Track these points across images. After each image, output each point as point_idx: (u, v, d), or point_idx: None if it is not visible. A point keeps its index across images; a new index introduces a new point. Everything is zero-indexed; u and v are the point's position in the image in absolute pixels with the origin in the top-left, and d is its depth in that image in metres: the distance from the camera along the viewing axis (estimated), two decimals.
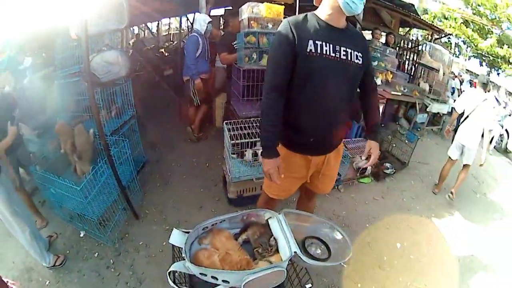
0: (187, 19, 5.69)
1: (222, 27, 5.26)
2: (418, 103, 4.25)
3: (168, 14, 5.84)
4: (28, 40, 2.56)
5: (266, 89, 1.25)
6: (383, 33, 4.66)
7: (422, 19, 5.38)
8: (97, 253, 2.09)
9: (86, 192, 1.90)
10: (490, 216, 3.29)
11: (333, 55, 1.17)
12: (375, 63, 3.78)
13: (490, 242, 2.85)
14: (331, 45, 1.16)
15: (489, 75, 10.52)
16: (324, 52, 1.16)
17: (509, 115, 5.55)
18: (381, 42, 4.33)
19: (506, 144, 5.47)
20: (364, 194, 3.15)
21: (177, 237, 1.33)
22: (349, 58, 1.19)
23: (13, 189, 1.83)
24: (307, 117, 1.30)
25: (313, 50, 1.15)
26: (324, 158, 1.43)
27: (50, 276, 1.92)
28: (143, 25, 6.41)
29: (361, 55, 1.23)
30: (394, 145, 3.66)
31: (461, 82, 5.70)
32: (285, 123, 1.33)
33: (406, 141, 3.73)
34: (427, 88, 4.37)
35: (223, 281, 1.23)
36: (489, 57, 10.05)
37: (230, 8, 5.36)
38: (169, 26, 8.14)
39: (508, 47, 9.59)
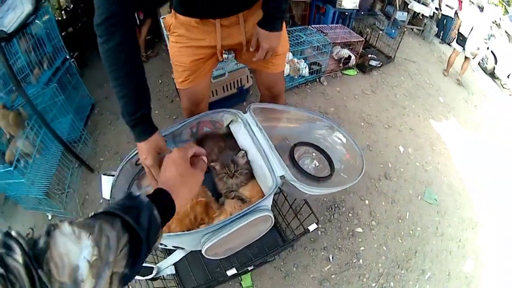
0: None
1: None
2: None
3: None
4: None
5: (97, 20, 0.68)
6: None
7: None
8: None
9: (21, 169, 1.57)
10: (482, 127, 3.12)
11: None
12: None
13: (490, 153, 2.72)
14: None
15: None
16: None
17: (494, 37, 5.25)
18: None
19: (494, 68, 5.23)
20: (351, 88, 2.76)
21: (107, 188, 0.79)
22: None
23: None
24: None
25: None
26: (236, 19, 0.94)
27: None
28: None
29: None
30: (374, 37, 3.22)
31: None
32: None
33: (387, 36, 3.32)
34: None
35: (174, 247, 0.79)
36: None
37: None
38: None
39: None
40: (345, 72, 2.79)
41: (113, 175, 0.81)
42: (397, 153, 2.29)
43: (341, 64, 2.69)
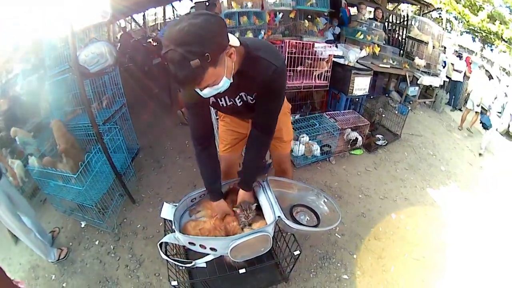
0: (173, 7, 5.69)
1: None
2: (409, 76, 4.25)
3: (152, 3, 5.82)
4: (15, 48, 2.60)
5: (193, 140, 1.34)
6: (370, 8, 4.64)
7: None
8: (98, 241, 2.15)
9: (82, 180, 1.96)
10: (485, 189, 3.26)
11: (230, 103, 1.24)
12: (361, 37, 3.78)
13: (485, 214, 2.82)
14: (226, 97, 1.22)
15: (482, 51, 10.47)
16: (221, 105, 1.26)
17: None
18: (368, 18, 4.31)
19: (508, 127, 5.39)
20: (356, 166, 3.16)
21: (167, 211, 1.38)
22: (244, 101, 1.22)
23: (16, 192, 1.87)
24: (229, 117, 1.54)
25: (214, 101, 1.25)
26: None
27: (55, 270, 1.97)
28: (129, 17, 6.42)
29: (255, 95, 1.20)
30: (384, 116, 3.68)
31: (460, 57, 5.69)
32: None
33: (397, 113, 3.74)
34: (422, 64, 4.36)
35: (211, 249, 1.27)
36: (482, 33, 9.96)
37: None
38: (155, 16, 8.13)
39: (500, 23, 9.49)
40: (352, 152, 3.24)
41: (175, 205, 1.37)
42: (389, 219, 2.51)
43: (349, 145, 3.15)
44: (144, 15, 6.84)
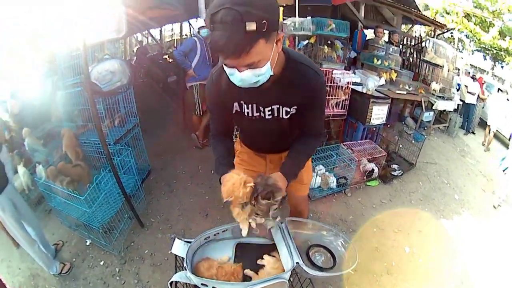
0: (190, 25, 5.69)
1: None
2: (424, 101, 4.19)
3: (169, 20, 5.83)
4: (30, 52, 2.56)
5: (211, 132, 1.31)
6: (385, 31, 4.60)
7: (424, 15, 5.30)
8: (103, 261, 2.10)
9: (89, 201, 1.90)
10: (500, 214, 3.27)
11: (257, 114, 1.10)
12: (379, 62, 3.73)
13: (498, 242, 2.82)
14: (254, 106, 1.08)
15: (493, 69, 10.41)
16: (246, 114, 1.11)
17: None
18: (384, 41, 4.28)
19: None
20: (371, 198, 3.11)
21: (179, 247, 1.30)
22: (275, 115, 1.10)
23: (22, 201, 1.83)
24: (249, 140, 1.42)
25: (239, 111, 1.12)
26: (279, 156, 1.38)
27: (56, 283, 1.93)
28: (146, 32, 6.44)
29: (295, 108, 1.08)
30: (400, 146, 3.61)
31: (474, 79, 5.66)
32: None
33: (413, 141, 3.68)
34: (438, 88, 4.30)
35: None
36: (492, 50, 9.94)
37: None
38: (172, 31, 8.14)
39: (511, 39, 9.48)
40: (368, 183, 3.17)
41: (187, 241, 1.28)
42: (402, 252, 2.50)
43: (365, 177, 3.08)
44: (161, 30, 6.86)
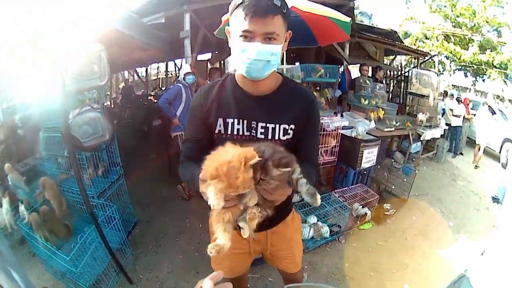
0: (175, 64, 5.74)
1: (208, 72, 5.28)
2: (412, 134, 4.25)
3: (155, 60, 5.87)
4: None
5: (180, 158, 1.14)
6: (370, 66, 4.72)
7: (406, 46, 5.49)
8: None
9: (75, 261, 1.83)
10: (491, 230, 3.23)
11: (248, 133, 0.99)
12: (366, 102, 3.79)
13: (496, 263, 2.74)
14: (245, 122, 0.98)
15: (474, 85, 10.78)
16: (236, 133, 0.99)
17: None
18: (369, 76, 4.37)
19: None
20: (366, 241, 3.08)
21: None
22: (269, 136, 0.99)
23: (5, 244, 1.68)
24: None
25: (223, 131, 1.00)
26: (265, 234, 1.19)
27: None
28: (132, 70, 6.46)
29: (292, 127, 0.99)
30: (392, 186, 3.62)
31: (459, 101, 5.82)
32: None
33: (403, 175, 3.71)
34: (424, 118, 4.39)
35: None
36: (473, 66, 10.30)
37: (216, 52, 5.39)
38: (157, 70, 8.16)
39: (491, 51, 9.83)
40: (362, 227, 3.15)
41: None
42: None
43: (358, 221, 3.05)
44: (146, 69, 6.89)
